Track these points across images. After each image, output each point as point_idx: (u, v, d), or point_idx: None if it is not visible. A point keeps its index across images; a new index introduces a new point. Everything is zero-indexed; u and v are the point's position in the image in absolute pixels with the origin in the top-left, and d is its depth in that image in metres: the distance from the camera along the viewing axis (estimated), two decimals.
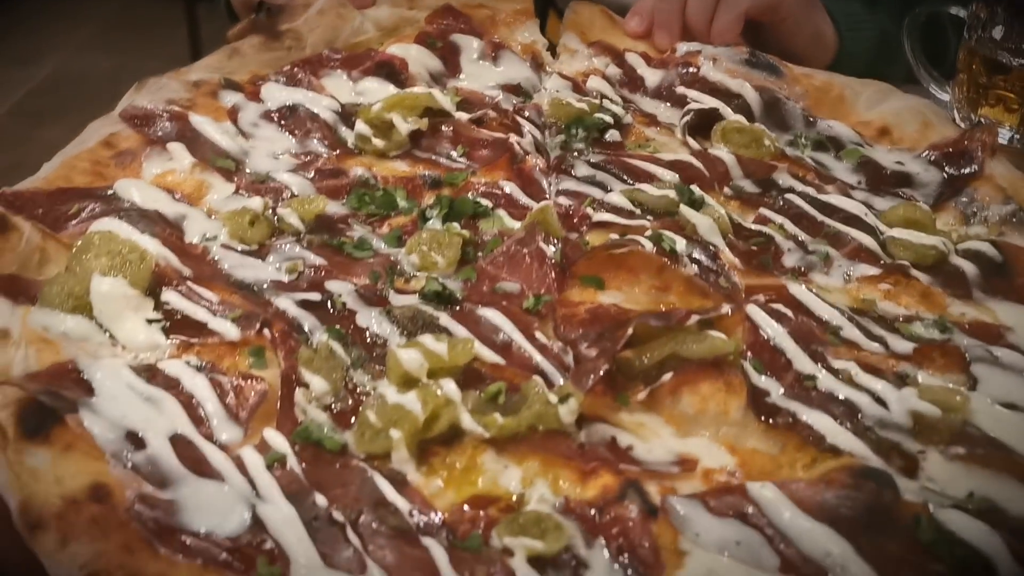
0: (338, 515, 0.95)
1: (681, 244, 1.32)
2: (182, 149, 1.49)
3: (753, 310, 1.23)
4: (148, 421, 1.02)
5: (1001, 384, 1.17)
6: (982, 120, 1.83)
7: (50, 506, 0.91)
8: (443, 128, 1.61)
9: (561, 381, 1.14)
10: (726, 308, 1.23)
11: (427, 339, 1.14)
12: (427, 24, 1.90)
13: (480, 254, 1.34)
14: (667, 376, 1.11)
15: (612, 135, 1.67)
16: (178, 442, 1.01)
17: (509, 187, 1.47)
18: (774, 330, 1.20)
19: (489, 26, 1.94)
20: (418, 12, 1.93)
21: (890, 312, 1.30)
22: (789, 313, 1.24)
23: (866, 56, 2.03)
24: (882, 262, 1.38)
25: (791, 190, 1.52)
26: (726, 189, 1.53)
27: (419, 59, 1.79)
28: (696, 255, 1.32)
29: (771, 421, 1.10)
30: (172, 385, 1.07)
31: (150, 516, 0.92)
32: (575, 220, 1.44)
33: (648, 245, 1.31)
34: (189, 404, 1.05)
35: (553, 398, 1.08)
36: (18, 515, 0.92)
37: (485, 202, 1.43)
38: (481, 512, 0.99)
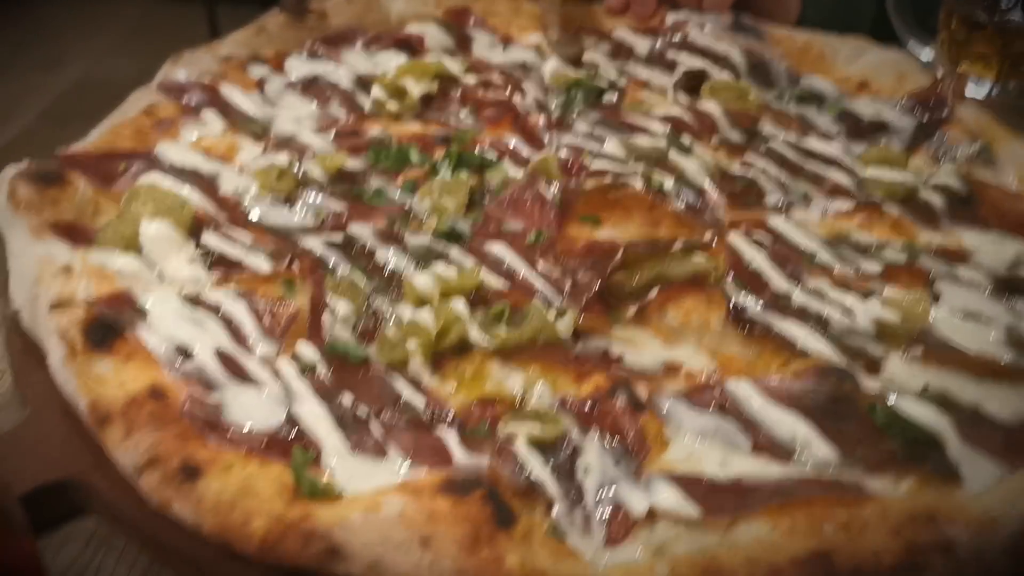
0: (362, 411, 1.09)
1: (669, 182, 1.45)
2: (215, 116, 1.64)
3: (734, 238, 1.36)
4: (195, 337, 1.15)
5: (961, 298, 1.28)
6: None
7: (115, 404, 1.05)
8: (452, 92, 1.75)
9: (559, 303, 1.27)
10: (709, 235, 1.36)
11: (439, 266, 1.27)
12: (445, 17, 2.04)
13: (486, 199, 1.48)
14: (653, 293, 1.24)
15: (608, 98, 1.81)
16: (221, 355, 1.15)
17: (513, 141, 1.60)
18: (752, 255, 1.33)
19: (502, 28, 2.07)
20: (438, 10, 2.07)
21: (863, 241, 1.42)
22: (767, 241, 1.36)
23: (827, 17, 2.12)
24: (857, 198, 1.50)
25: (774, 138, 1.64)
26: (713, 139, 1.66)
27: (435, 36, 1.94)
28: (683, 193, 1.45)
29: (748, 330, 1.23)
30: (214, 309, 1.21)
31: (200, 414, 1.06)
32: (574, 169, 1.57)
33: (639, 184, 1.43)
34: (229, 324, 1.19)
35: (552, 315, 1.21)
36: (88, 413, 1.06)
37: (491, 154, 1.57)
38: (488, 409, 1.12)
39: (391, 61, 1.84)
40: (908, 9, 2.05)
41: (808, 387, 1.12)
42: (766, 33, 1.91)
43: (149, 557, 1.04)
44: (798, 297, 1.28)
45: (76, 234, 1.31)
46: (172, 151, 1.53)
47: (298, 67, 1.81)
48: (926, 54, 2.04)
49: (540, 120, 1.69)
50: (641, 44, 1.94)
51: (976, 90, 1.92)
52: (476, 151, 1.58)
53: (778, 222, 1.42)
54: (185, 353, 1.14)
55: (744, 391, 1.12)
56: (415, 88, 1.71)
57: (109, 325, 1.13)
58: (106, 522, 1.07)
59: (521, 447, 1.05)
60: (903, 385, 1.15)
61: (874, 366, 1.19)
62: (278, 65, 1.81)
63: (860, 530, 0.93)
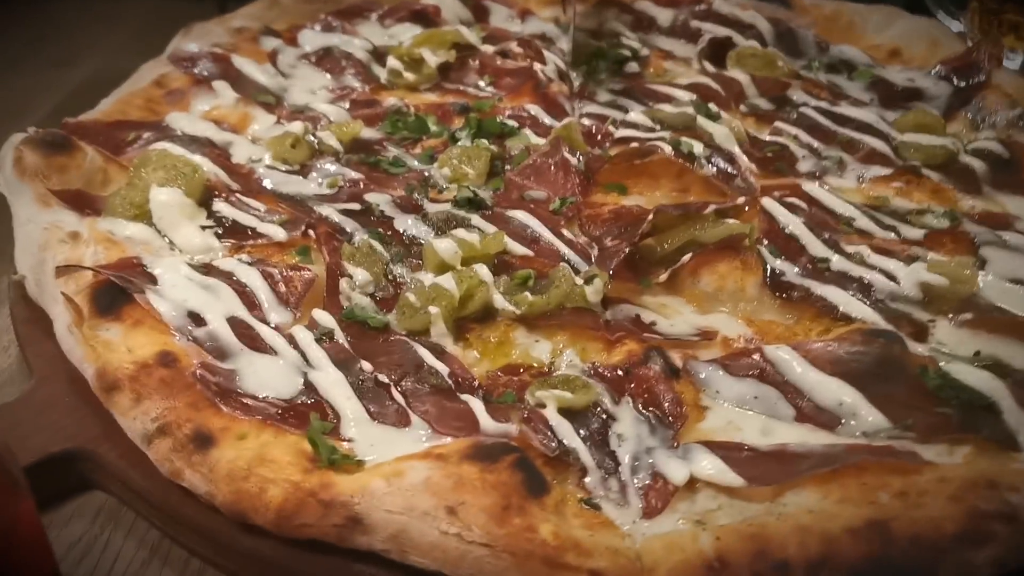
0: (383, 378, 1.03)
1: (699, 147, 1.39)
2: (226, 87, 1.59)
3: (768, 202, 1.30)
4: (207, 304, 1.10)
5: (1008, 263, 1.22)
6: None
7: (123, 370, 1.00)
8: (470, 61, 1.69)
9: (586, 269, 1.21)
10: (742, 199, 1.30)
11: (460, 231, 1.22)
12: None
13: (507, 167, 1.42)
14: (687, 257, 1.18)
15: (631, 67, 1.75)
16: (234, 322, 1.09)
17: (534, 109, 1.54)
18: (788, 219, 1.27)
19: (520, 1, 2.01)
20: None
21: (902, 207, 1.36)
22: (803, 205, 1.30)
23: None
24: (894, 164, 1.43)
25: (805, 105, 1.58)
26: (741, 107, 1.60)
27: (451, 7, 1.88)
28: (713, 158, 1.39)
29: (786, 296, 1.17)
30: (226, 276, 1.16)
31: (213, 381, 1.01)
32: (598, 137, 1.51)
33: (667, 149, 1.38)
34: (243, 292, 1.14)
35: (579, 280, 1.15)
36: (95, 381, 1.01)
37: (512, 122, 1.51)
38: (514, 377, 1.07)
39: (406, 33, 1.79)
40: None
41: (854, 351, 1.06)
42: (792, 2, 1.84)
43: (160, 531, 0.99)
44: (837, 262, 1.21)
45: (83, 203, 1.26)
46: (183, 121, 1.48)
47: (312, 39, 1.76)
48: (956, 24, 1.97)
49: (562, 89, 1.63)
50: (664, 15, 1.88)
51: (1011, 58, 1.85)
52: (497, 118, 1.52)
53: (813, 188, 1.35)
54: (197, 319, 1.09)
55: (785, 357, 1.06)
56: (432, 58, 1.66)
57: (117, 290, 1.08)
58: (115, 494, 1.02)
59: (552, 414, 0.99)
60: (953, 350, 1.10)
61: (921, 332, 1.12)
62: (291, 38, 1.76)
63: (918, 498, 0.87)
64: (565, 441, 0.96)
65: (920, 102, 1.63)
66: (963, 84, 1.62)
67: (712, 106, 1.54)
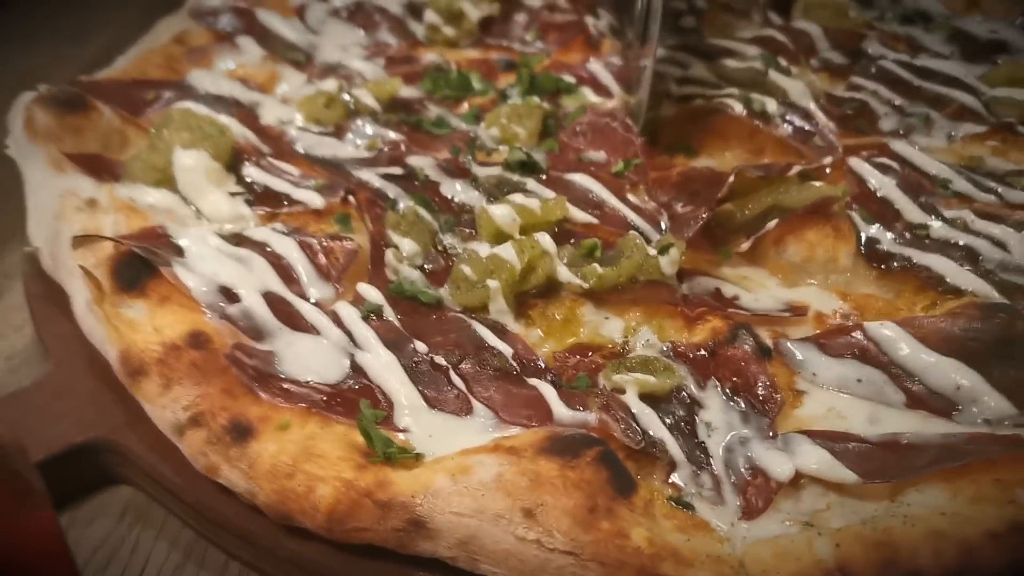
0: (440, 360, 0.92)
1: (772, 105, 1.26)
2: (252, 43, 1.47)
3: (856, 163, 1.17)
4: (240, 278, 0.99)
5: None
6: None
7: (150, 352, 0.89)
8: (514, 14, 1.56)
9: (658, 238, 1.09)
10: (828, 159, 1.17)
11: (517, 197, 1.10)
12: None
13: (564, 126, 1.30)
14: (771, 224, 1.06)
15: (686, 21, 1.62)
16: (271, 298, 0.98)
17: (597, 67, 1.41)
18: (880, 181, 1.14)
19: None
20: None
21: (999, 167, 1.23)
22: (894, 166, 1.18)
23: None
24: (987, 121, 1.30)
25: (883, 58, 1.45)
26: (813, 61, 1.47)
27: None
28: (789, 116, 1.26)
29: (884, 267, 1.05)
30: (261, 248, 1.04)
31: (249, 364, 0.89)
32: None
33: (738, 107, 1.25)
34: (279, 264, 1.03)
35: (652, 250, 1.03)
36: (119, 364, 0.90)
37: (569, 78, 1.39)
38: (585, 359, 0.95)
39: None
40: None
41: (970, 328, 0.93)
42: None
43: (194, 531, 0.88)
44: (938, 228, 1.09)
45: (100, 167, 1.15)
46: (206, 80, 1.36)
47: None
48: None
49: (615, 45, 1.50)
50: None
51: None
52: (552, 75, 1.39)
53: (902, 147, 1.22)
54: (229, 295, 0.97)
55: (890, 335, 0.94)
56: (473, 11, 1.53)
57: (141, 263, 0.97)
58: (143, 490, 0.91)
59: (633, 400, 0.88)
60: None
61: None
62: None
63: None
64: (651, 431, 0.85)
65: (1006, 55, 1.49)
66: None
67: (782, 60, 1.41)
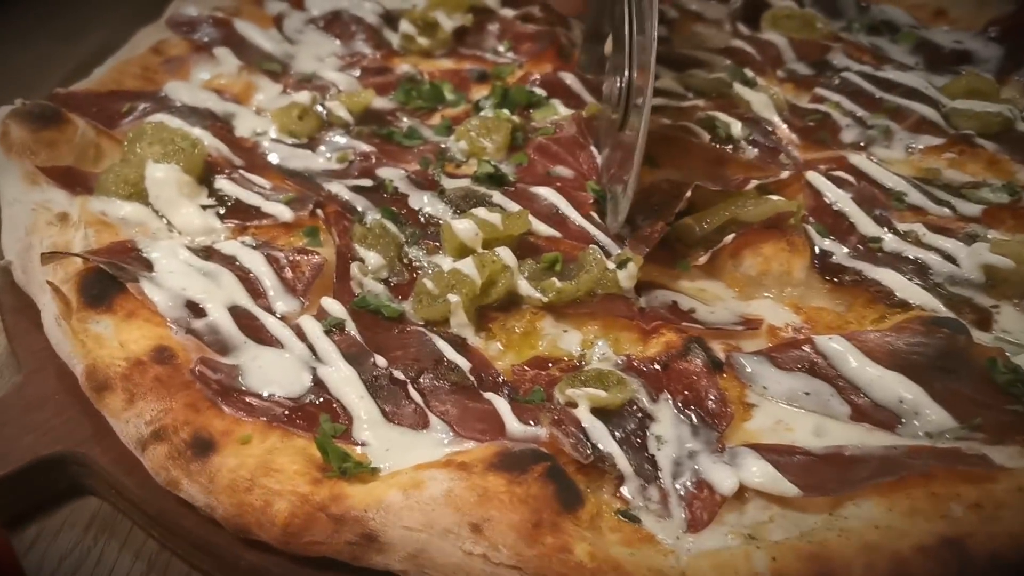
0: (399, 374, 0.95)
1: (737, 128, 1.28)
2: (228, 54, 1.49)
3: (813, 176, 1.20)
4: (207, 292, 1.01)
5: None
6: None
7: (116, 368, 0.92)
8: (488, 24, 1.59)
9: (618, 252, 1.11)
10: (785, 174, 1.20)
11: (481, 211, 1.12)
12: None
13: (532, 140, 1.32)
14: (729, 238, 1.09)
15: (659, 31, 1.64)
16: (237, 312, 1.00)
17: (570, 79, 1.43)
18: (835, 195, 1.17)
19: None
20: None
21: (956, 180, 1.26)
22: (851, 179, 1.20)
23: None
24: (946, 133, 1.33)
25: (847, 69, 1.47)
26: (779, 72, 1.49)
27: None
28: (754, 136, 1.28)
29: (836, 280, 1.07)
30: (229, 262, 1.07)
31: (213, 378, 0.92)
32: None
33: (704, 136, 1.27)
34: (246, 278, 1.05)
35: (611, 264, 1.06)
36: (85, 379, 0.93)
37: (540, 91, 1.41)
38: (542, 372, 0.98)
39: None
40: None
41: (914, 343, 0.96)
42: None
43: (158, 543, 0.90)
44: (890, 242, 1.12)
45: (74, 180, 1.17)
46: (182, 91, 1.38)
47: (319, 1, 1.65)
48: None
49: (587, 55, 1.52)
50: None
51: None
52: (525, 88, 1.41)
53: (860, 160, 1.25)
54: (195, 310, 1.00)
55: (838, 348, 0.96)
56: (447, 21, 1.55)
57: (108, 279, 0.99)
58: (109, 501, 0.94)
59: (584, 414, 0.90)
60: (1021, 339, 1.00)
61: (985, 320, 1.03)
62: (297, 1, 1.65)
63: (995, 511, 0.78)
64: (600, 445, 0.87)
65: (970, 65, 1.51)
66: (1015, 46, 1.51)
67: (748, 71, 1.44)
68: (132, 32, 1.52)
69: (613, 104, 1.22)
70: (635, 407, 0.93)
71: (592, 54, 1.45)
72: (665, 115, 1.36)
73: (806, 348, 0.98)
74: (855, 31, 1.62)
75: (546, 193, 1.19)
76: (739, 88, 1.37)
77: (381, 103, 1.41)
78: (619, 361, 0.99)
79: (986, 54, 1.54)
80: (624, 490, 0.86)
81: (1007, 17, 1.57)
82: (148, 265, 1.04)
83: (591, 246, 1.10)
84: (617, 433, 0.89)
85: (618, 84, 1.19)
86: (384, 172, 1.24)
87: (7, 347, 1.09)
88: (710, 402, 0.93)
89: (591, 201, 1.20)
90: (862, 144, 1.33)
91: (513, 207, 1.16)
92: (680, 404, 0.94)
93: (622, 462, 0.87)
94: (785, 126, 1.32)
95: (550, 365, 0.99)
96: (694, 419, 0.92)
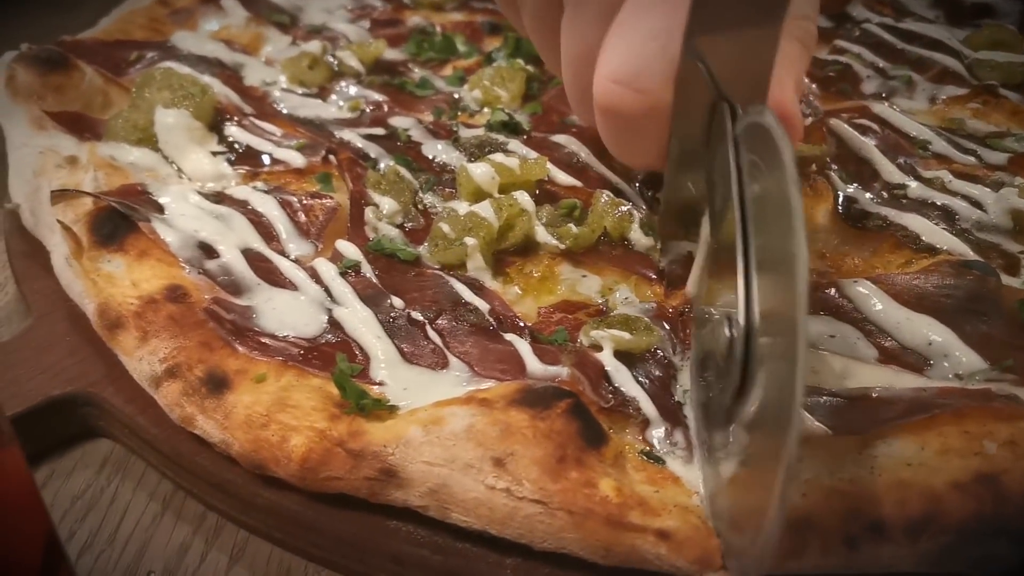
0: (417, 315, 0.93)
1: None
2: (236, 5, 1.47)
3: (836, 123, 1.17)
4: (220, 234, 0.99)
5: None
6: None
7: (128, 306, 0.90)
8: None
9: (644, 207, 1.08)
10: (808, 121, 1.17)
11: (498, 156, 1.10)
12: None
13: (548, 89, 1.30)
14: None
15: None
16: (250, 254, 0.99)
17: None
18: (859, 142, 1.15)
19: None
20: None
21: (980, 129, 1.24)
22: (875, 127, 1.18)
23: None
24: (969, 83, 1.31)
25: (867, 21, 1.45)
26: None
27: None
28: None
29: (861, 226, 1.05)
30: (241, 205, 1.05)
31: (227, 318, 0.90)
32: None
33: None
34: (259, 222, 1.03)
35: (625, 207, 1.03)
36: (97, 317, 0.91)
37: None
38: (568, 315, 0.96)
39: None
40: None
41: (943, 285, 0.94)
42: None
43: (172, 483, 0.89)
44: (916, 188, 1.10)
45: (82, 126, 1.15)
46: (190, 41, 1.36)
47: None
48: None
49: None
50: None
51: None
52: None
53: (883, 108, 1.23)
54: (208, 251, 0.98)
55: (864, 292, 0.94)
56: None
57: (120, 218, 0.97)
58: (122, 443, 0.92)
59: (607, 357, 0.88)
60: None
61: (1014, 265, 1.01)
62: None
63: None
64: (623, 389, 0.85)
65: (990, 18, 1.49)
66: None
67: None
68: (131, 4, 1.50)
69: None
70: (660, 354, 0.91)
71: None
72: None
73: (831, 291, 0.96)
74: None
75: (565, 140, 1.17)
76: None
77: (392, 54, 1.39)
78: (647, 307, 0.96)
79: (1008, 7, 1.52)
80: (648, 433, 0.84)
81: None
82: (159, 208, 1.02)
83: (601, 191, 1.07)
84: (641, 378, 0.87)
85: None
86: (397, 121, 1.22)
87: (16, 292, 1.07)
88: None
89: None
90: (884, 95, 1.30)
91: (531, 155, 1.14)
92: None
93: (647, 406, 0.84)
94: (806, 77, 1.30)
95: (577, 310, 0.97)
96: None
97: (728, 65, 0.79)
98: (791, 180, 0.61)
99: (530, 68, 1.31)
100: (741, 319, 0.69)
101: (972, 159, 1.15)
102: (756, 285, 0.69)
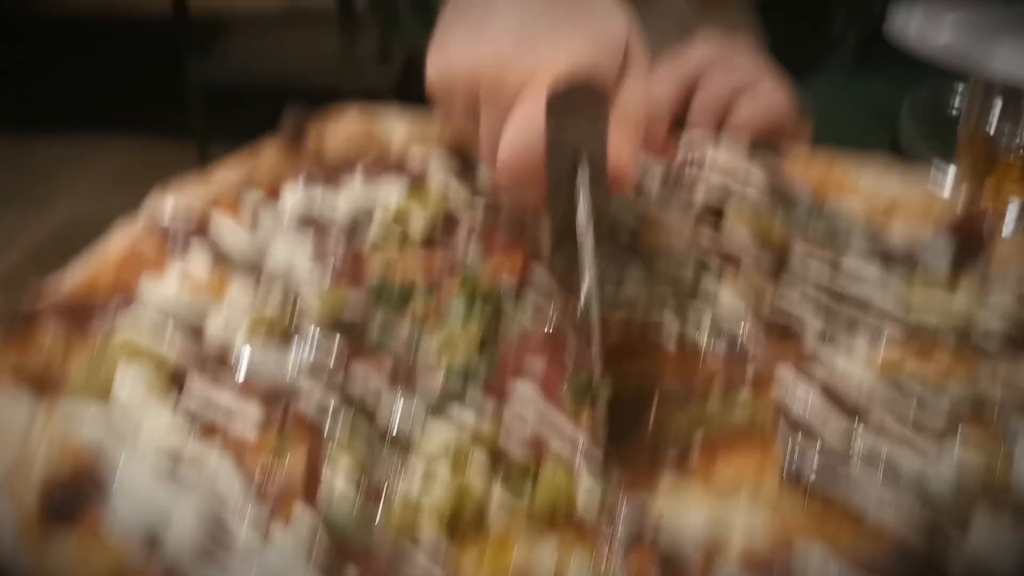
0: None
1: (705, 335, 1.31)
2: (203, 250, 1.51)
3: (782, 375, 1.22)
4: (174, 502, 0.99)
5: None
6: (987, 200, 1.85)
7: None
8: (460, 218, 1.63)
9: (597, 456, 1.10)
10: (750, 372, 1.22)
11: (456, 410, 1.13)
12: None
13: (505, 335, 1.34)
14: (695, 444, 1.09)
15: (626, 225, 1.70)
16: (205, 520, 0.98)
17: (541, 273, 1.46)
18: (804, 394, 1.19)
19: None
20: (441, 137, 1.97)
21: (921, 375, 1.28)
22: (819, 376, 1.22)
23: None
24: (906, 329, 1.37)
25: (807, 263, 1.52)
26: (743, 266, 1.54)
27: (439, 162, 1.83)
28: (720, 341, 1.31)
29: (807, 492, 1.07)
30: (197, 467, 1.05)
31: None
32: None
33: (671, 344, 1.30)
34: (214, 486, 1.03)
35: (581, 475, 1.05)
36: None
37: (511, 284, 1.43)
38: None
39: (393, 188, 1.72)
40: (928, 123, 1.98)
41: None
42: (784, 151, 1.81)
43: None
44: (861, 442, 1.13)
45: (43, 383, 1.16)
46: (155, 290, 1.39)
47: (294, 196, 1.69)
48: (950, 173, 1.95)
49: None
50: (654, 168, 1.84)
51: (1012, 217, 1.81)
52: (494, 285, 1.44)
53: (826, 355, 1.28)
54: (161, 522, 0.97)
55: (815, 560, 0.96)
56: (420, 216, 1.60)
57: (69, 497, 0.97)
58: None
59: None
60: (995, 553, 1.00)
61: (961, 525, 1.03)
62: (272, 194, 1.70)
63: None
64: None
65: (924, 264, 1.57)
66: (967, 244, 1.57)
67: (712, 263, 1.49)
68: (103, 200, 1.56)
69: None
70: None
71: (563, 252, 1.38)
72: (624, 311, 1.38)
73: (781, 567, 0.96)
74: (813, 225, 1.68)
75: (522, 389, 1.20)
76: (705, 283, 1.41)
77: (354, 300, 1.43)
78: None
79: (939, 252, 1.59)
80: None
81: (955, 219, 1.64)
82: (109, 477, 1.02)
83: (554, 454, 1.09)
84: None
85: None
86: (356, 372, 1.25)
87: None
88: None
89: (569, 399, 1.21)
90: (827, 338, 1.35)
91: (488, 406, 1.16)
92: None
93: None
94: (750, 324, 1.35)
95: None
96: None
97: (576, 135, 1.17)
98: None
99: (487, 313, 1.35)
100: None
101: (914, 408, 1.19)
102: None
